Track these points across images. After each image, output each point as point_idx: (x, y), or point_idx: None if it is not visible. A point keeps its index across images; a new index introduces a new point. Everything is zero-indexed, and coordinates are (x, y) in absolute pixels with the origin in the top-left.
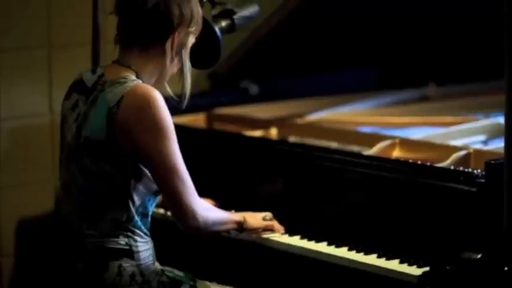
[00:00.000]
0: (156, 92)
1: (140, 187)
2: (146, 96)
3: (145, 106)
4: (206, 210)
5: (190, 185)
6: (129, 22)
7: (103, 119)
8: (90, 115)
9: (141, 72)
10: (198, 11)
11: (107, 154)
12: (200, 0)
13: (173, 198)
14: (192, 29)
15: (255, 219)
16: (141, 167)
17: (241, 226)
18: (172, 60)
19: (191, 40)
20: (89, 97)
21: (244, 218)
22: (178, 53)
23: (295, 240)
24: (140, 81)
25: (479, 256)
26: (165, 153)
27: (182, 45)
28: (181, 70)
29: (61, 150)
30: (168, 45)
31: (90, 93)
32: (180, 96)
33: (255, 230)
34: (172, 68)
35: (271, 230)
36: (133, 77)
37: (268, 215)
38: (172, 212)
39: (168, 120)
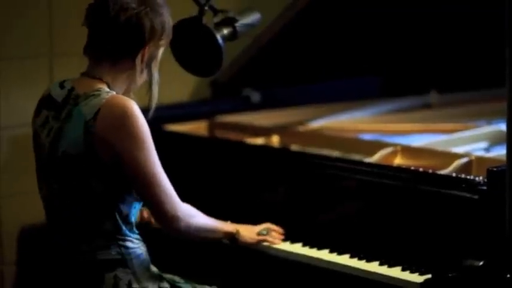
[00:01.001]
0: (133, 102)
1: (125, 195)
2: (123, 108)
3: (123, 117)
4: (189, 216)
5: (171, 192)
6: (100, 35)
7: (79, 132)
8: (65, 130)
9: (112, 83)
10: (169, 23)
11: (87, 167)
12: (201, 8)
13: (154, 206)
14: (163, 42)
15: (250, 232)
16: (124, 177)
17: (232, 237)
18: (141, 72)
19: (161, 52)
20: (60, 112)
21: (238, 231)
22: (148, 66)
23: (297, 248)
24: (114, 93)
25: (481, 263)
26: (144, 163)
27: (152, 58)
28: (149, 82)
29: (37, 167)
30: (138, 59)
31: (61, 108)
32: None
33: (247, 244)
34: (140, 79)
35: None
36: (107, 89)
37: (267, 228)
38: (155, 218)
39: (145, 129)
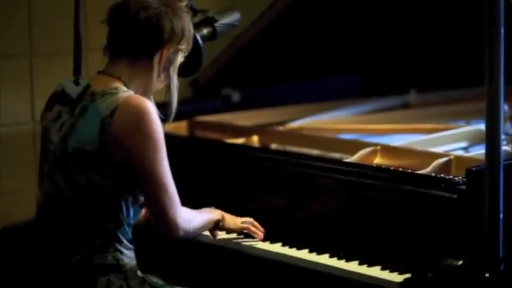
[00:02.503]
0: (149, 103)
1: (129, 198)
2: (140, 109)
3: (139, 118)
4: (188, 222)
5: (176, 197)
6: (119, 33)
7: (95, 129)
8: (78, 126)
9: (129, 83)
10: (190, 31)
11: (98, 165)
12: None
13: (157, 210)
14: (182, 46)
15: (234, 219)
16: (132, 178)
17: (218, 223)
18: (159, 75)
19: (180, 58)
20: (74, 108)
21: (223, 217)
22: (166, 69)
23: (277, 247)
24: (132, 93)
25: (460, 262)
26: (154, 166)
27: (170, 61)
28: (168, 87)
29: (42, 162)
30: (155, 59)
31: (76, 104)
32: (164, 105)
33: (231, 231)
34: (158, 84)
35: (248, 232)
36: (125, 88)
37: (249, 220)
38: (156, 221)
39: (159, 132)
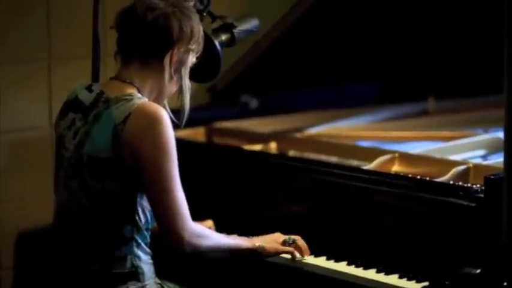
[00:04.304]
0: (163, 111)
1: (145, 203)
2: (154, 116)
3: (152, 126)
4: (197, 237)
5: (184, 210)
6: (128, 36)
7: (108, 136)
8: (92, 133)
9: (141, 88)
10: (199, 31)
11: (112, 171)
12: (200, 13)
13: (163, 221)
14: (192, 46)
15: (274, 243)
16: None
17: (254, 252)
18: (171, 77)
19: (191, 59)
20: (87, 115)
21: (261, 247)
22: (178, 71)
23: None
24: (146, 99)
25: (478, 271)
26: (164, 173)
27: (182, 62)
28: (180, 88)
29: (57, 169)
30: (166, 60)
31: (89, 110)
32: (178, 111)
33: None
34: (171, 87)
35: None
36: (139, 95)
37: (292, 238)
38: (161, 233)
39: (172, 141)
